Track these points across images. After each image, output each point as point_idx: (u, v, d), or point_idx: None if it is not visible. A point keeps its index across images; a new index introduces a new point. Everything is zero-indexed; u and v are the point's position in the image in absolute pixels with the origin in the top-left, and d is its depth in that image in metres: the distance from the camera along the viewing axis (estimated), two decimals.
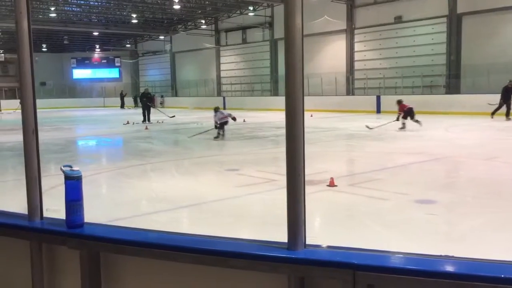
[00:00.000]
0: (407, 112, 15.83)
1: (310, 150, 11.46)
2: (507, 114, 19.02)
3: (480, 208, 5.96)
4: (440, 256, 1.53)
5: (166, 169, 9.60)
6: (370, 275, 1.34)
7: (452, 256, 1.46)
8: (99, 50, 50.01)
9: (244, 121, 21.29)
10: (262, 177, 8.04)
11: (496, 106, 19.09)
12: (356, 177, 8.48)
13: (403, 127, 15.71)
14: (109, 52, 50.01)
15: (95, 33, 42.41)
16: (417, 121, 15.59)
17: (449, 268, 1.36)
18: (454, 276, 1.30)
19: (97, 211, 6.04)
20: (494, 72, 22.20)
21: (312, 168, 8.36)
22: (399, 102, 16.38)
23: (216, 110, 15.06)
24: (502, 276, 1.23)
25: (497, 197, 6.44)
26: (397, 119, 15.99)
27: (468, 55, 24.23)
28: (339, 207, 6.25)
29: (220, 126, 14.54)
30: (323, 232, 5.49)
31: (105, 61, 50.31)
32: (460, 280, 1.29)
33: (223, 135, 14.57)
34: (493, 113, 19.15)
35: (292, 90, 1.45)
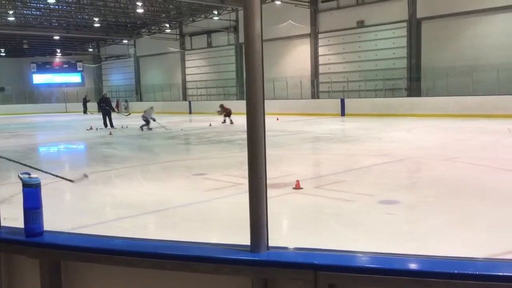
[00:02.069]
0: (228, 113, 21.66)
1: (276, 154, 11.59)
2: None
3: (440, 207, 6.14)
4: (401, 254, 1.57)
5: (131, 175, 9.46)
6: (331, 274, 1.37)
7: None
8: (60, 54, 48.86)
9: (210, 125, 21.24)
10: (229, 181, 8.04)
11: None
12: (321, 179, 8.59)
13: (225, 121, 21.68)
14: (70, 57, 48.94)
15: (56, 37, 41.43)
16: (231, 121, 21.37)
17: (409, 266, 1.40)
18: (413, 273, 1.34)
19: (59, 218, 5.90)
20: (453, 75, 22.95)
21: (279, 171, 8.42)
22: (222, 106, 22.38)
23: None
24: (456, 272, 1.28)
25: (456, 196, 6.64)
26: (224, 121, 21.70)
27: (428, 59, 24.95)
28: (305, 209, 6.31)
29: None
30: (289, 234, 5.53)
31: (66, 65, 49.20)
32: (419, 277, 1.33)
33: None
34: None
35: (252, 94, 1.47)
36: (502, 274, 1.27)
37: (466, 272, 1.29)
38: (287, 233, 5.61)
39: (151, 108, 20.80)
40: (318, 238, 4.94)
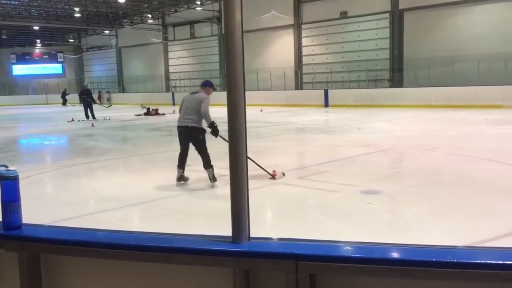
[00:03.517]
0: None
1: (260, 145, 11.59)
2: None
3: (422, 197, 6.23)
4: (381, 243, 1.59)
5: (114, 167, 9.38)
6: (312, 264, 1.37)
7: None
8: (40, 45, 47.99)
9: None
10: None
11: None
12: (305, 170, 8.62)
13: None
14: (51, 47, 48.11)
15: (36, 28, 40.67)
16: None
17: (388, 255, 1.42)
18: (393, 261, 1.36)
19: (41, 211, 5.84)
20: (434, 66, 23.19)
21: (262, 163, 8.41)
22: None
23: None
24: (435, 260, 1.30)
25: (437, 186, 6.74)
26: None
27: (410, 50, 25.15)
28: (288, 200, 6.34)
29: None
30: (272, 225, 5.56)
31: (47, 56, 48.36)
32: (399, 265, 1.34)
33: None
34: None
35: (233, 85, 1.46)
36: (479, 261, 1.30)
37: (444, 260, 1.31)
38: (270, 224, 5.63)
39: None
40: (301, 229, 4.97)
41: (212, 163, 7.10)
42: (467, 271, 1.28)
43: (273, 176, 7.39)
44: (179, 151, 7.40)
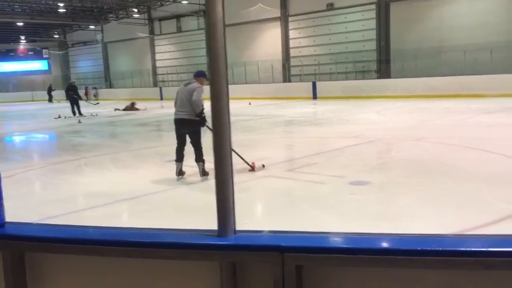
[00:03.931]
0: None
1: (248, 138, 11.59)
2: None
3: (410, 187, 6.28)
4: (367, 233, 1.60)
5: (102, 163, 9.32)
6: (298, 256, 1.38)
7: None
8: (25, 41, 47.33)
9: None
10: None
11: None
12: (294, 163, 8.64)
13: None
14: (36, 44, 47.47)
15: (20, 24, 40.08)
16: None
17: (375, 244, 1.42)
18: (378, 251, 1.36)
19: (28, 209, 5.79)
20: (421, 57, 23.32)
21: (251, 156, 8.41)
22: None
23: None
24: (419, 248, 1.31)
25: (424, 176, 6.79)
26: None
27: (397, 41, 25.25)
28: (276, 192, 6.35)
29: None
30: (261, 218, 5.57)
31: (32, 52, 47.70)
32: (383, 255, 1.35)
33: None
34: None
35: (216, 79, 1.45)
36: (464, 249, 1.31)
37: (428, 248, 1.32)
38: (259, 217, 5.64)
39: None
40: (289, 221, 4.99)
41: (204, 157, 7.07)
42: (453, 259, 1.29)
43: (252, 168, 7.38)
44: (174, 145, 7.37)
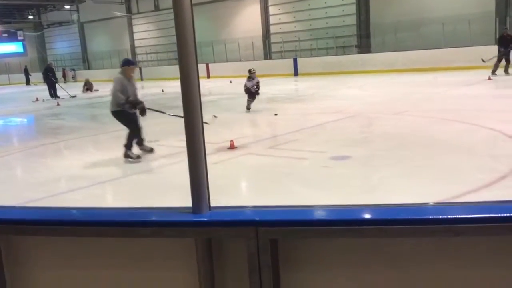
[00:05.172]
0: None
1: (230, 116, 11.55)
2: (506, 69, 16.45)
3: (390, 159, 6.34)
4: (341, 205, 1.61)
5: (81, 146, 9.20)
6: (272, 229, 1.38)
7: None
8: None
9: (162, 91, 20.84)
10: (182, 146, 7.94)
11: (494, 60, 16.30)
12: (276, 140, 8.65)
13: None
14: (10, 25, 46.14)
15: None
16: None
17: (349, 216, 1.43)
18: (347, 222, 1.37)
19: (6, 194, 5.71)
20: (401, 30, 23.30)
21: (232, 134, 8.41)
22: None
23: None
24: (389, 218, 1.32)
25: (404, 148, 6.87)
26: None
27: (376, 15, 25.15)
28: (259, 169, 6.37)
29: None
30: (243, 194, 5.59)
31: (6, 35, 46.34)
32: (353, 225, 1.36)
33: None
34: (493, 71, 16.09)
35: (184, 54, 1.42)
36: (434, 217, 1.33)
37: (400, 217, 1.34)
38: (238, 193, 5.65)
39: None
40: (269, 197, 5.01)
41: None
42: (425, 227, 1.31)
43: (206, 122, 7.38)
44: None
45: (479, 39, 20.44)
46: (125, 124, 7.33)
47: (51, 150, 8.93)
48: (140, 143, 7.43)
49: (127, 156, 7.19)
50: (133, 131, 7.24)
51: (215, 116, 7.61)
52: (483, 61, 16.82)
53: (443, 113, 9.52)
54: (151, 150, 7.45)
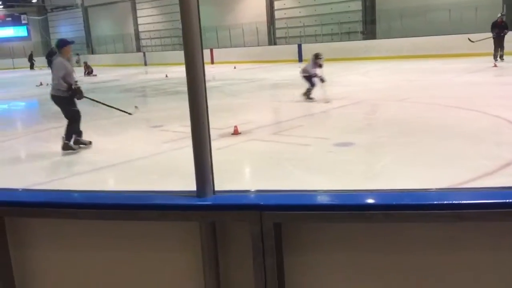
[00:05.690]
0: None
1: (234, 102, 11.54)
2: (501, 56, 16.82)
3: (393, 146, 6.34)
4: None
5: (86, 130, 9.20)
6: (275, 214, 1.39)
7: None
8: (1, 6, 45.80)
9: (166, 76, 20.79)
10: (186, 131, 7.94)
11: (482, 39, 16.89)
12: (280, 126, 8.65)
13: None
14: (13, 9, 45.97)
15: None
16: None
17: (353, 200, 1.43)
18: (358, 207, 1.38)
19: (12, 178, 5.76)
20: (406, 16, 23.08)
21: (237, 120, 8.40)
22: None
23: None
24: (394, 203, 1.33)
25: (407, 135, 6.85)
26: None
27: (382, 0, 24.89)
28: (262, 155, 6.37)
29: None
30: (246, 180, 5.60)
31: (10, 18, 46.23)
32: (360, 210, 1.36)
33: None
34: (495, 56, 16.64)
35: (189, 38, 1.41)
36: (439, 202, 1.33)
37: (404, 202, 1.34)
38: (242, 178, 5.67)
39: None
40: (273, 182, 5.02)
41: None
42: (430, 212, 1.31)
43: (129, 113, 8.22)
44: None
45: (486, 26, 20.21)
46: (66, 112, 7.02)
47: (54, 135, 8.93)
48: (79, 134, 7.17)
49: (68, 147, 6.90)
50: (75, 120, 6.99)
51: (136, 107, 7.76)
52: (471, 41, 16.94)
53: (448, 100, 9.47)
54: (89, 143, 7.26)
